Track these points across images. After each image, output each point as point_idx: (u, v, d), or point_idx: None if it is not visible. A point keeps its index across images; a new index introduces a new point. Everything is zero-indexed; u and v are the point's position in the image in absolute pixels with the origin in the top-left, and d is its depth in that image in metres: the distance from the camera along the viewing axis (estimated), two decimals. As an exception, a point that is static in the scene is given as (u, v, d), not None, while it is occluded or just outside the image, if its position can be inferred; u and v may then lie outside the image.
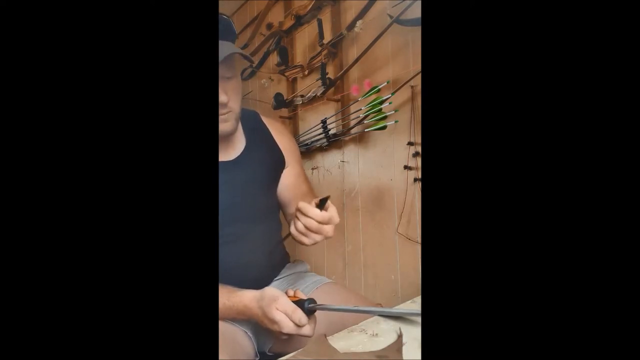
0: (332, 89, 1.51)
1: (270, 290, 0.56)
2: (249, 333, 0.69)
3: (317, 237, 0.59)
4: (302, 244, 0.60)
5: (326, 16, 1.53)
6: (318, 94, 1.54)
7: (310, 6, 1.53)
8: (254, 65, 1.67)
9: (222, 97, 0.65)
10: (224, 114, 0.68)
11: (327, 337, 0.43)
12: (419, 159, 1.23)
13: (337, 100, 1.51)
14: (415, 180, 1.23)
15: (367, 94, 1.33)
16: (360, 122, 1.38)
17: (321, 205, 0.59)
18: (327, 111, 1.53)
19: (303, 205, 0.59)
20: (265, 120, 0.85)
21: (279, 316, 0.52)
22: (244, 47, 2.06)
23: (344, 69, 1.47)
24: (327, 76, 1.50)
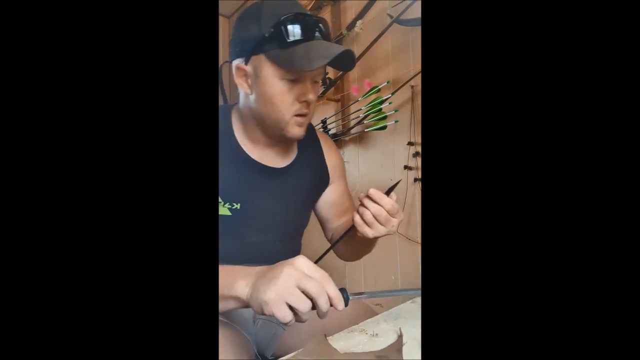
0: (332, 89, 1.51)
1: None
2: (247, 336, 0.67)
3: (382, 230, 0.56)
4: (364, 235, 0.57)
5: (326, 16, 1.53)
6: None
7: (310, 6, 1.53)
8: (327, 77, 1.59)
9: (311, 96, 0.61)
10: (305, 115, 0.63)
11: (327, 338, 0.43)
12: (419, 159, 1.23)
13: (337, 100, 1.51)
14: (415, 180, 1.23)
15: (367, 94, 1.34)
16: (360, 122, 1.38)
17: (389, 192, 0.55)
18: (327, 111, 1.53)
19: (375, 192, 0.55)
20: (318, 133, 0.81)
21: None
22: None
23: (344, 69, 1.47)
24: (327, 76, 1.50)
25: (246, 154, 0.68)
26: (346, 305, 0.42)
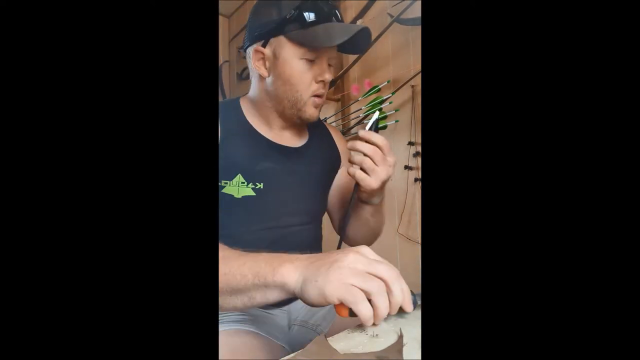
0: (332, 89, 1.51)
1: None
2: (284, 345, 0.64)
3: (382, 172, 0.57)
4: (368, 188, 0.58)
5: (326, 16, 1.52)
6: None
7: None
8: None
9: (327, 76, 0.64)
10: (321, 96, 0.66)
11: (327, 338, 0.43)
12: (419, 159, 1.23)
13: (337, 100, 1.51)
14: (416, 180, 1.23)
15: (367, 93, 1.34)
16: (360, 122, 1.38)
17: (374, 127, 0.56)
18: (327, 111, 1.53)
19: (365, 132, 0.56)
20: (323, 122, 0.86)
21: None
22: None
23: (344, 69, 1.47)
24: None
25: (263, 136, 0.70)
26: (414, 308, 0.38)
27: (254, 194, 0.66)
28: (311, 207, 0.74)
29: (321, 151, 0.77)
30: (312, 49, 0.62)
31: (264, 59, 0.66)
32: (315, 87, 0.65)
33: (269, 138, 0.70)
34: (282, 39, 0.63)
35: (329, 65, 0.66)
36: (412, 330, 0.43)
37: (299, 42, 0.62)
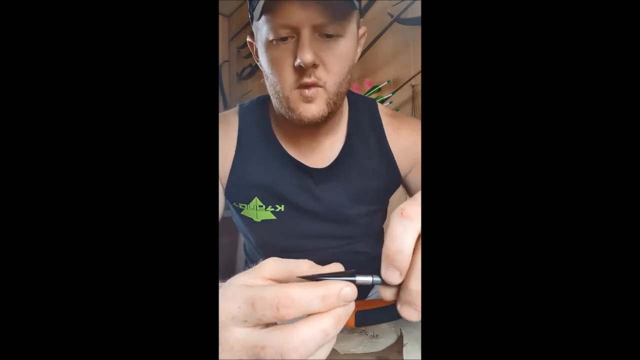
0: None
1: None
2: None
3: None
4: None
5: (326, 15, 1.52)
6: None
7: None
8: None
9: (308, 56, 0.42)
10: (309, 85, 0.45)
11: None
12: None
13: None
14: (416, 179, 1.23)
15: (367, 93, 1.34)
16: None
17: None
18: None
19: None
20: (382, 113, 0.60)
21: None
22: (244, 46, 2.06)
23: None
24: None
25: (283, 149, 0.56)
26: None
27: (274, 217, 0.57)
28: (349, 230, 0.60)
29: (363, 162, 0.57)
30: (271, 20, 0.44)
31: (255, 51, 0.53)
32: (296, 76, 0.45)
33: (290, 152, 0.56)
34: (255, 23, 0.47)
35: (325, 35, 0.44)
36: (413, 331, 0.43)
37: (257, 19, 0.45)
